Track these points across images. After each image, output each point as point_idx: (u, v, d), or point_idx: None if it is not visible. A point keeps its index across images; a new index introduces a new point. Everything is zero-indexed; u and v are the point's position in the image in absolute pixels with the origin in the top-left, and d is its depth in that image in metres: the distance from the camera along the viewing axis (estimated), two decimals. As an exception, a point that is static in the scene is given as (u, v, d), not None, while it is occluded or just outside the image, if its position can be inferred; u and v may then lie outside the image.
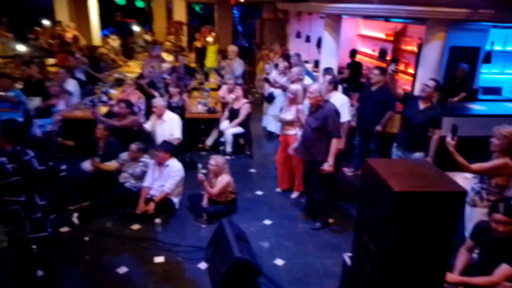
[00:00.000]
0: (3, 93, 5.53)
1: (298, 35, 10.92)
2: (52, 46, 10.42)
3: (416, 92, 5.56)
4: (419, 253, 2.18)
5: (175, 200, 4.57)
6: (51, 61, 9.31)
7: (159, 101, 5.43)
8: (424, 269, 2.23)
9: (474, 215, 3.41)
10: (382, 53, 8.17)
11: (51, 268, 3.18)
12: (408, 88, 6.80)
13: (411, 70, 7.37)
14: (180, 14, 14.85)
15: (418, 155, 4.31)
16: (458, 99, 6.09)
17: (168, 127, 5.31)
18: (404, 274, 2.23)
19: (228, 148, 6.13)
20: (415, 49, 7.20)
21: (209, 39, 10.64)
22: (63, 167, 3.10)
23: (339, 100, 4.79)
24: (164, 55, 9.58)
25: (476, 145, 4.22)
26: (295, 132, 4.64)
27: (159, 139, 5.09)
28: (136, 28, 13.13)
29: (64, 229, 4.16)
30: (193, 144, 6.43)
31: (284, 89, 6.41)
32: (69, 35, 10.69)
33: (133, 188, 4.57)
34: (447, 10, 5.13)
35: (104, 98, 6.46)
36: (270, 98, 7.03)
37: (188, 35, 14.61)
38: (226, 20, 12.84)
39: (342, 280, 3.07)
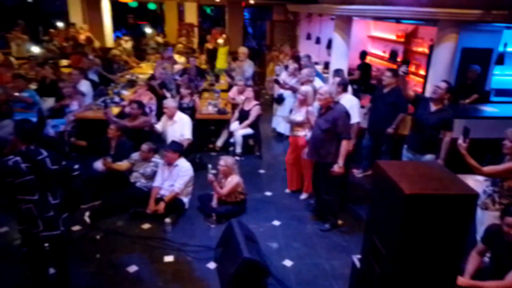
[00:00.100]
0: (17, 94, 5.65)
1: (308, 37, 10.90)
2: (66, 47, 10.60)
3: (427, 93, 5.51)
4: (430, 256, 2.16)
5: (185, 200, 4.61)
6: (64, 62, 9.49)
7: (170, 102, 5.49)
8: (435, 272, 2.21)
9: (485, 218, 3.37)
10: (393, 55, 8.12)
11: (63, 266, 3.22)
12: (419, 89, 6.75)
13: (422, 72, 7.31)
14: (191, 16, 14.98)
15: (429, 157, 4.28)
16: (470, 100, 6.03)
17: (179, 127, 5.36)
18: (415, 277, 2.22)
19: (238, 149, 6.16)
20: (426, 50, 7.15)
21: (220, 41, 10.70)
22: (76, 166, 3.15)
23: (349, 102, 4.78)
24: (176, 57, 9.67)
25: (488, 147, 4.17)
26: (305, 133, 4.65)
27: (170, 139, 5.13)
28: (148, 30, 13.27)
29: (76, 227, 4.23)
30: (203, 144, 6.48)
31: (293, 90, 6.42)
32: (82, 37, 10.86)
33: (144, 188, 4.62)
34: (459, 12, 5.08)
35: (116, 99, 6.55)
36: (280, 99, 7.05)
37: (199, 37, 14.73)
38: (236, 22, 12.90)
39: (351, 282, 3.06)
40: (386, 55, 8.66)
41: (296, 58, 8.14)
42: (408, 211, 2.04)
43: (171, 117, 5.38)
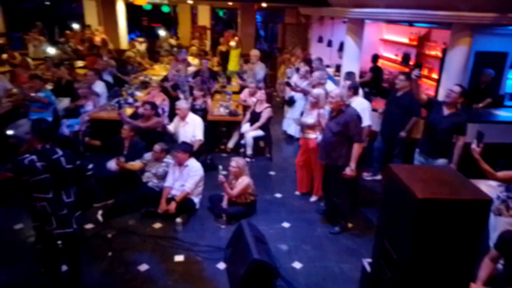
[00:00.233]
0: (33, 94, 5.77)
1: (320, 40, 10.90)
2: (82, 49, 10.79)
3: (440, 97, 5.47)
4: (442, 262, 2.14)
5: (196, 200, 4.65)
6: (80, 63, 9.66)
7: (182, 104, 5.55)
8: (447, 278, 2.18)
9: (499, 224, 3.33)
10: (405, 58, 8.08)
11: (75, 263, 3.27)
12: (432, 93, 6.70)
13: (434, 75, 7.25)
14: (204, 19, 15.12)
15: (441, 161, 4.24)
16: (484, 105, 5.95)
17: (191, 128, 5.42)
18: (426, 283, 2.20)
19: (249, 151, 6.19)
20: (439, 54, 7.10)
21: (232, 43, 10.76)
22: (90, 166, 3.20)
23: (360, 105, 4.77)
24: (190, 59, 9.76)
25: (502, 152, 4.12)
26: (316, 136, 4.65)
27: (182, 140, 5.19)
28: (162, 33, 13.43)
29: (89, 225, 4.29)
30: (214, 146, 6.52)
31: (305, 93, 6.42)
32: (97, 39, 11.04)
33: (156, 188, 4.68)
34: (473, 15, 5.04)
35: (130, 99, 6.63)
36: (291, 102, 7.07)
37: (211, 40, 14.84)
38: (249, 24, 12.96)
39: (361, 286, 3.06)
40: (399, 58, 8.61)
41: (308, 61, 8.16)
42: (421, 216, 2.03)
43: (183, 118, 5.45)
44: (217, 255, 3.89)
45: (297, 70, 7.67)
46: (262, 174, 5.84)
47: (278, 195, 5.24)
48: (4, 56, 9.60)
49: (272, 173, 5.96)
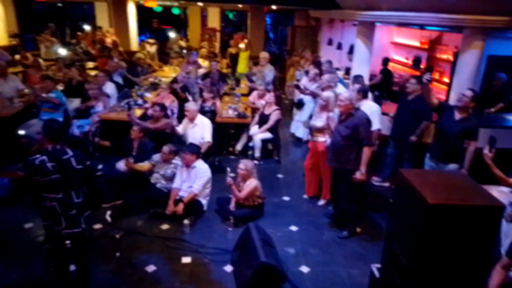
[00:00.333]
0: (45, 95, 5.84)
1: (330, 42, 10.88)
2: (93, 50, 10.91)
3: (451, 101, 5.40)
4: (452, 269, 2.12)
5: (203, 202, 4.65)
6: (90, 64, 9.77)
7: (191, 105, 5.57)
8: (458, 285, 2.16)
9: (511, 231, 3.27)
10: (416, 62, 8.01)
11: (84, 263, 3.29)
12: (443, 97, 6.63)
13: (446, 79, 7.18)
14: (214, 21, 15.19)
15: (452, 166, 4.18)
16: (496, 109, 5.87)
17: (199, 130, 5.44)
18: (436, 289, 2.18)
19: (257, 153, 6.18)
20: (450, 57, 7.02)
21: (241, 45, 10.79)
22: (100, 167, 3.24)
23: (369, 108, 4.73)
24: (200, 61, 9.81)
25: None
26: (325, 139, 4.62)
27: (190, 142, 5.20)
28: (172, 35, 13.51)
29: (97, 226, 4.32)
30: (223, 148, 6.53)
31: (314, 95, 6.41)
32: (109, 40, 11.15)
33: (164, 189, 4.70)
34: (486, 18, 4.97)
35: (140, 101, 6.68)
36: (300, 104, 7.05)
37: (221, 42, 14.90)
38: (258, 27, 12.97)
39: (368, 291, 3.03)
40: (409, 61, 8.54)
41: (317, 64, 8.13)
42: (431, 221, 2.00)
43: (192, 120, 5.47)
44: (224, 258, 3.89)
45: (306, 72, 7.65)
46: (270, 176, 5.82)
47: (286, 198, 5.22)
48: (17, 57, 9.75)
49: (280, 176, 5.94)
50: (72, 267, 3.34)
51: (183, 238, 4.20)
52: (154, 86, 7.79)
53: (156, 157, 4.89)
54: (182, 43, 13.16)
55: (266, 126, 6.15)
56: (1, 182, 4.63)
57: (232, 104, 6.84)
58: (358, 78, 5.96)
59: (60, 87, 6.84)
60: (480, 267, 2.15)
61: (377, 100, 5.96)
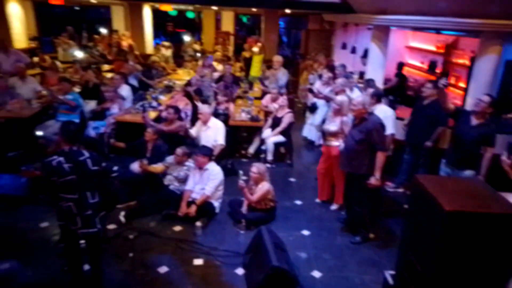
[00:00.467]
0: (61, 97, 5.95)
1: (344, 46, 10.83)
2: (110, 53, 11.09)
3: (467, 106, 5.32)
4: (470, 277, 2.07)
5: (216, 204, 4.67)
6: (106, 67, 9.92)
7: (205, 108, 5.61)
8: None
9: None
10: (432, 66, 7.91)
11: (98, 263, 3.33)
12: (459, 102, 6.53)
13: (462, 84, 7.07)
14: (228, 24, 15.29)
15: (468, 173, 4.11)
16: (514, 115, 5.76)
17: (213, 133, 5.47)
18: (451, 298, 2.14)
19: (269, 156, 6.18)
20: (467, 62, 6.92)
21: (255, 49, 10.83)
22: (115, 168, 3.28)
23: (383, 113, 4.69)
24: (214, 64, 9.88)
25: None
26: (339, 143, 4.60)
27: (203, 144, 5.23)
28: (187, 38, 13.63)
29: (111, 226, 4.37)
30: (235, 151, 6.55)
31: (327, 99, 6.38)
32: (124, 44, 11.32)
33: (177, 191, 4.73)
34: (504, 23, 4.89)
35: (154, 103, 6.75)
36: (313, 108, 7.03)
37: (234, 45, 14.97)
38: (272, 30, 13.00)
39: (382, 298, 2.99)
40: (425, 66, 8.44)
41: (331, 67, 8.10)
42: (448, 229, 1.97)
43: (205, 122, 5.50)
44: (235, 261, 3.89)
45: (320, 76, 7.63)
46: (283, 180, 5.81)
47: (298, 202, 5.20)
48: (36, 59, 9.97)
49: (292, 179, 5.93)
50: (86, 267, 3.38)
51: (195, 240, 4.22)
52: (169, 89, 7.87)
53: (170, 159, 4.93)
54: (196, 47, 13.27)
55: (278, 129, 6.15)
56: (19, 182, 4.72)
57: (245, 107, 6.86)
58: (370, 82, 5.93)
59: (76, 89, 6.95)
60: (498, 276, 2.10)
61: (392, 105, 5.89)
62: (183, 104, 6.39)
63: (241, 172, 4.68)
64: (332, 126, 4.71)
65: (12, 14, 9.91)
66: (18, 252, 3.88)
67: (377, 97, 5.01)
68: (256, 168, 4.52)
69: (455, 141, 4.25)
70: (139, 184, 4.86)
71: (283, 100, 6.45)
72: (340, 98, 4.83)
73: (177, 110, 5.70)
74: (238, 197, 4.80)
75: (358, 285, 3.65)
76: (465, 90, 6.33)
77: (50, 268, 3.66)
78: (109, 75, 8.49)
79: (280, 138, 6.17)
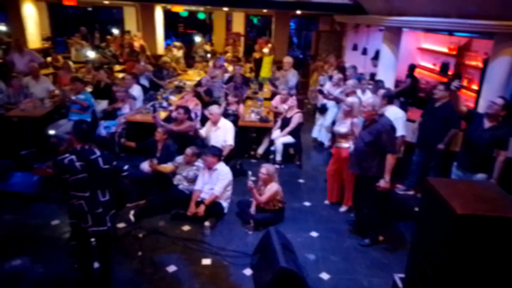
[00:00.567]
0: (74, 97, 6.03)
1: (355, 48, 10.77)
2: (122, 53, 11.21)
3: (480, 109, 5.25)
4: (481, 282, 2.04)
5: (224, 204, 4.68)
6: (118, 67, 10.02)
7: (215, 109, 5.63)
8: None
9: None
10: (444, 68, 7.81)
11: (107, 261, 3.36)
12: (471, 105, 6.44)
13: (474, 86, 6.97)
14: (238, 25, 15.32)
15: (480, 176, 4.05)
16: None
17: (222, 133, 5.48)
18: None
19: (278, 157, 6.17)
20: (480, 64, 6.82)
21: (265, 50, 10.83)
22: (125, 167, 3.31)
23: (393, 115, 4.65)
24: (225, 65, 9.92)
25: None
26: (349, 145, 4.57)
27: (212, 144, 5.25)
28: (197, 39, 13.70)
29: (121, 224, 4.41)
30: (244, 151, 6.55)
31: (337, 101, 6.36)
32: (136, 44, 11.43)
33: (186, 191, 4.75)
34: (519, 24, 4.81)
35: (164, 103, 6.80)
36: (323, 109, 7.01)
37: (245, 46, 15.00)
38: (282, 32, 12.99)
39: (391, 301, 2.96)
40: (437, 68, 8.35)
41: (341, 69, 8.07)
42: (459, 232, 1.95)
43: (215, 123, 5.52)
44: (243, 261, 3.89)
45: (330, 77, 7.61)
46: (291, 181, 5.80)
47: (307, 204, 5.19)
48: (49, 59, 10.13)
49: (301, 180, 5.91)
50: (96, 265, 3.42)
51: (204, 240, 4.23)
52: (179, 89, 7.92)
53: (179, 159, 4.96)
54: (207, 47, 13.33)
55: (288, 129, 6.14)
56: (31, 180, 4.80)
57: (254, 108, 6.87)
58: (379, 83, 5.88)
59: (88, 89, 7.04)
60: (510, 281, 2.06)
61: (403, 107, 5.84)
62: (193, 105, 6.43)
63: (250, 172, 4.68)
64: (342, 127, 4.69)
65: (27, 15, 10.09)
66: (30, 249, 3.94)
67: (388, 98, 4.97)
68: (265, 169, 4.52)
69: (467, 144, 4.19)
70: (148, 184, 4.90)
71: (292, 100, 6.44)
72: (350, 99, 4.80)
73: (187, 110, 5.73)
74: (246, 197, 4.81)
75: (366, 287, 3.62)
76: (478, 92, 6.24)
77: (60, 265, 3.70)
78: (120, 75, 8.58)
79: (289, 139, 6.16)
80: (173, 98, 7.34)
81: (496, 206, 2.03)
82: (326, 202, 5.19)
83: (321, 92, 6.75)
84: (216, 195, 4.55)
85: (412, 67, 8.10)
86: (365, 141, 4.03)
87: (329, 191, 5.18)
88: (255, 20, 19.29)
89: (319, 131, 7.34)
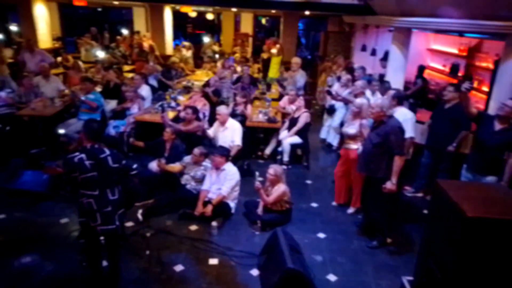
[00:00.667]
0: (83, 98, 6.08)
1: (364, 48, 10.71)
2: (131, 54, 11.30)
3: (491, 111, 5.18)
4: (491, 286, 2.02)
5: (232, 204, 4.69)
6: (127, 67, 10.10)
7: (223, 109, 5.64)
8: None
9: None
10: (454, 69, 7.73)
11: (115, 259, 3.39)
12: (481, 106, 6.36)
13: (485, 88, 6.89)
14: (247, 26, 15.35)
15: (490, 179, 4.00)
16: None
17: (230, 134, 5.49)
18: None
19: (285, 157, 6.15)
20: (490, 65, 6.74)
21: (273, 50, 10.83)
22: (134, 166, 3.33)
23: (403, 116, 4.61)
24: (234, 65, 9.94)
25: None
26: (357, 146, 4.55)
27: (220, 145, 5.26)
28: (206, 39, 13.75)
29: (129, 223, 4.43)
30: (252, 152, 6.56)
31: (345, 102, 6.33)
32: (146, 45, 11.51)
33: (193, 190, 4.77)
34: (531, 25, 4.74)
35: (173, 103, 6.83)
36: (331, 110, 6.99)
37: (253, 47, 15.01)
38: (291, 32, 12.98)
39: (398, 304, 2.94)
40: (446, 69, 8.26)
41: (350, 70, 8.03)
42: (469, 235, 1.92)
43: (223, 123, 5.53)
44: (250, 261, 3.89)
45: (338, 78, 7.58)
46: (299, 182, 5.79)
47: (314, 205, 5.17)
48: (59, 59, 10.24)
49: (308, 181, 5.89)
50: (104, 263, 3.44)
51: (211, 240, 4.24)
52: (187, 90, 7.95)
53: (187, 158, 4.98)
54: (215, 48, 13.37)
55: (295, 128, 6.12)
56: (41, 178, 4.85)
57: (262, 109, 6.87)
58: (384, 84, 5.84)
59: (98, 88, 7.10)
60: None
61: (412, 108, 5.79)
62: (201, 105, 6.45)
63: (257, 173, 4.68)
64: (351, 129, 4.67)
65: (38, 15, 10.22)
66: (39, 247, 3.98)
67: (398, 99, 4.93)
68: (273, 170, 4.52)
69: (477, 146, 4.14)
70: (156, 183, 4.93)
71: (299, 101, 6.42)
72: (359, 100, 4.78)
73: (195, 110, 5.75)
74: (254, 198, 4.81)
75: (374, 290, 3.60)
76: (488, 94, 6.16)
77: (69, 263, 3.74)
78: (130, 75, 8.64)
79: (297, 140, 6.15)
80: (181, 98, 7.38)
81: (507, 209, 2.00)
82: (334, 203, 5.17)
83: (329, 93, 6.73)
84: (223, 195, 4.55)
85: (421, 68, 8.04)
86: (373, 143, 4.01)
87: (336, 193, 5.15)
88: (263, 21, 19.30)
89: (327, 132, 7.32)
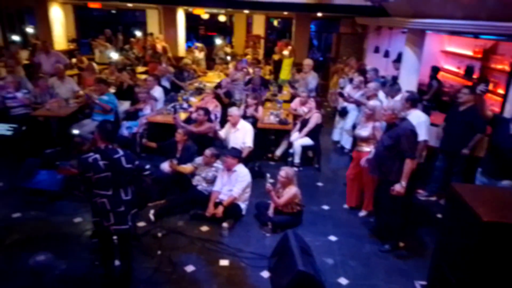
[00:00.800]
0: (97, 100, 6.16)
1: (376, 50, 10.63)
2: (144, 55, 11.42)
3: (506, 114, 5.09)
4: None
5: (242, 206, 4.69)
6: (140, 69, 10.21)
7: (234, 111, 5.66)
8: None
9: None
10: (469, 71, 7.61)
11: (128, 259, 3.41)
12: (497, 109, 6.26)
13: (500, 91, 6.77)
14: (259, 28, 15.38)
15: (506, 183, 3.92)
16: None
17: (241, 135, 5.51)
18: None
19: (296, 159, 6.13)
20: (507, 68, 6.62)
21: (285, 52, 10.82)
22: (147, 166, 3.36)
23: (416, 118, 4.55)
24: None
25: None
26: (370, 149, 4.51)
27: (232, 146, 5.28)
28: (218, 41, 13.83)
29: (141, 224, 4.47)
30: (263, 153, 6.56)
31: (358, 104, 6.28)
32: (159, 46, 11.63)
33: (204, 191, 4.79)
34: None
35: (185, 105, 6.88)
36: (343, 112, 6.94)
37: (265, 49, 15.03)
38: (303, 34, 12.95)
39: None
40: (461, 71, 8.15)
41: (362, 71, 7.97)
42: (485, 240, 1.89)
43: (234, 125, 5.55)
44: (261, 263, 3.89)
45: (351, 80, 7.53)
46: (310, 184, 5.76)
47: (326, 207, 5.14)
48: (74, 60, 10.41)
49: (320, 184, 5.87)
50: (117, 262, 3.47)
51: (222, 241, 4.26)
52: (199, 91, 8.00)
53: (199, 160, 5.00)
54: (227, 50, 13.43)
55: (306, 129, 6.09)
56: (55, 178, 4.94)
57: (274, 110, 6.86)
58: (395, 86, 5.77)
59: (112, 90, 7.19)
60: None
61: (426, 110, 5.71)
62: (213, 106, 6.49)
63: (268, 175, 4.68)
64: (364, 131, 4.63)
65: (54, 17, 10.42)
66: (52, 245, 4.03)
67: (412, 101, 4.86)
68: (285, 172, 4.50)
69: (493, 150, 4.07)
70: (168, 184, 4.97)
71: (310, 102, 6.40)
72: (372, 103, 4.75)
73: (207, 111, 5.78)
74: (265, 199, 4.80)
75: (386, 294, 3.56)
76: (504, 96, 6.05)
77: (82, 261, 3.79)
78: (143, 76, 8.73)
79: (308, 142, 6.12)
80: (193, 100, 7.42)
81: (523, 214, 1.97)
82: (345, 206, 5.13)
83: (341, 95, 6.69)
84: (234, 196, 4.56)
85: (435, 70, 7.93)
86: (385, 145, 3.98)
87: (348, 195, 5.12)
88: (275, 23, 19.30)
89: (340, 134, 7.27)
